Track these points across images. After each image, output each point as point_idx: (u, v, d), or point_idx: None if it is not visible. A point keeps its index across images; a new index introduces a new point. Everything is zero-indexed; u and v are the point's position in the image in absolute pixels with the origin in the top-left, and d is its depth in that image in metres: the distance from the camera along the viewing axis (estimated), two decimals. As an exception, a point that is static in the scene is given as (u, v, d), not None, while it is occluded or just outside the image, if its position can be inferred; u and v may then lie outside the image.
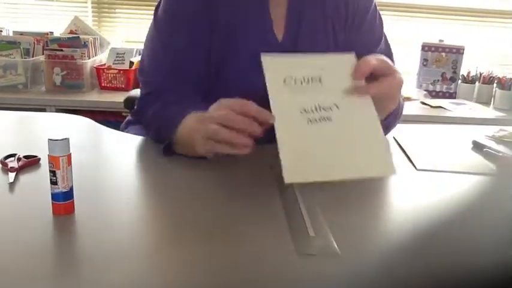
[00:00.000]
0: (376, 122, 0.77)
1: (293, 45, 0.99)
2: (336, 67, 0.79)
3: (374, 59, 0.79)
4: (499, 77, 2.39)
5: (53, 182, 0.65)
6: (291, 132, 0.74)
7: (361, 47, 1.00)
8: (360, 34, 1.02)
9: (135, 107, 1.03)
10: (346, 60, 0.80)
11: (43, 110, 2.03)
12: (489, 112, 2.25)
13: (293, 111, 0.75)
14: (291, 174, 0.70)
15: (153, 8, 1.02)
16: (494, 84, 2.42)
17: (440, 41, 2.48)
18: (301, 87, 0.77)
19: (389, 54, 1.07)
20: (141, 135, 1.02)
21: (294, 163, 0.71)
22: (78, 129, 1.09)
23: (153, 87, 0.97)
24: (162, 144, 0.90)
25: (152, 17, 1.02)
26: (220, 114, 0.76)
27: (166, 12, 0.98)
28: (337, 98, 0.77)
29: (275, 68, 0.77)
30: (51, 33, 2.33)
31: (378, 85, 0.78)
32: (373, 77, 0.79)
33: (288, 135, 0.73)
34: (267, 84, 0.75)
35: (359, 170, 0.74)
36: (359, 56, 0.81)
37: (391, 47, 1.08)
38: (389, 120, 0.95)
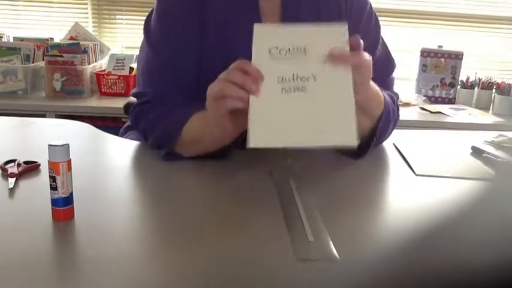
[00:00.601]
0: (349, 95, 0.77)
1: None
2: (324, 37, 0.80)
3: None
4: (498, 83, 2.39)
5: (53, 188, 0.65)
6: (263, 99, 0.76)
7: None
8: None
9: (130, 117, 1.02)
10: (336, 31, 0.80)
11: (43, 115, 2.03)
12: (488, 117, 2.25)
13: (270, 79, 0.77)
14: (255, 139, 0.73)
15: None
16: (493, 90, 2.42)
17: (439, 46, 2.49)
18: (284, 57, 0.78)
19: (388, 58, 1.07)
20: (140, 140, 1.02)
21: (260, 129, 0.74)
22: (78, 135, 1.09)
23: (148, 98, 0.97)
24: (162, 150, 0.91)
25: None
26: (226, 75, 0.78)
27: (157, 21, 0.97)
28: (317, 68, 0.78)
29: (263, 36, 0.79)
30: (52, 39, 2.34)
31: (356, 55, 0.78)
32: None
33: (260, 102, 0.75)
34: (252, 51, 0.77)
35: (322, 138, 0.75)
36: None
37: (389, 49, 1.08)
38: (381, 126, 0.94)
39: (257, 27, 0.79)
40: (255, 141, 0.72)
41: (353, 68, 0.77)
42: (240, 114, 0.77)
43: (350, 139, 0.74)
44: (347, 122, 0.75)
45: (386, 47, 1.08)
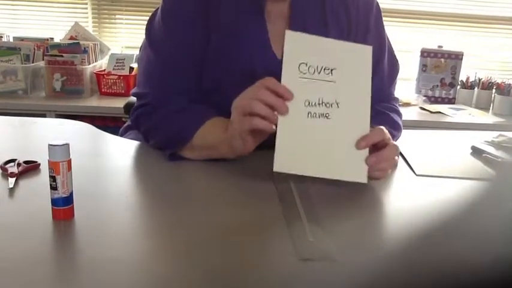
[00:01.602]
0: (365, 130, 0.79)
1: None
2: (352, 57, 0.81)
3: (380, 134, 0.81)
4: (498, 83, 2.39)
5: (53, 187, 0.65)
6: (291, 122, 0.77)
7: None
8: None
9: (131, 117, 1.01)
10: (361, 53, 0.82)
11: (43, 115, 2.03)
12: (488, 117, 2.25)
13: (298, 101, 0.78)
14: (280, 164, 0.75)
15: (153, 13, 1.02)
16: (493, 90, 2.42)
17: (439, 47, 2.49)
18: (312, 76, 0.79)
19: (393, 63, 1.06)
20: (140, 140, 1.02)
21: (286, 154, 0.76)
22: (78, 135, 1.09)
23: (148, 99, 0.96)
24: (166, 150, 0.91)
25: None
26: (257, 92, 0.78)
27: (161, 23, 0.96)
28: (341, 94, 0.79)
29: (294, 46, 0.79)
30: (52, 39, 2.34)
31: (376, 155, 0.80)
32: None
33: (287, 125, 0.76)
34: (283, 63, 0.78)
35: (336, 172, 0.78)
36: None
37: (393, 49, 1.08)
38: None
39: (289, 35, 0.79)
40: (279, 166, 0.75)
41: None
42: (260, 131, 0.78)
43: (361, 178, 0.78)
44: (359, 160, 0.78)
45: (391, 48, 1.07)
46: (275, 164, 0.75)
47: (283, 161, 0.75)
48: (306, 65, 0.79)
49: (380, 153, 0.80)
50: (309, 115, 0.78)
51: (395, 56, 1.07)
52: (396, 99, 1.08)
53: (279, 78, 0.78)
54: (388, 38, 1.06)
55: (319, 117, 0.78)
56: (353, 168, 0.78)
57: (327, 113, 0.78)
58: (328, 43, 0.82)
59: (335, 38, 0.96)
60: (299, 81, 0.78)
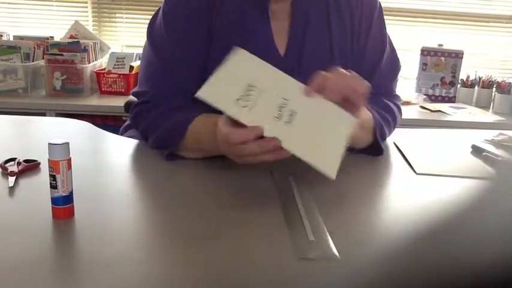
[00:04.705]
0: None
1: (297, 59, 0.97)
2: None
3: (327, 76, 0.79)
4: (498, 81, 2.39)
5: (53, 186, 0.65)
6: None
7: (370, 54, 1.01)
8: (367, 42, 1.01)
9: (130, 115, 1.01)
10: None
11: (43, 114, 2.03)
12: (488, 116, 2.25)
13: (265, 112, 0.76)
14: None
15: (153, 12, 1.02)
16: (494, 89, 2.42)
17: (440, 45, 2.48)
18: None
19: (395, 62, 1.06)
20: (140, 139, 1.01)
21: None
22: (78, 134, 1.09)
23: (147, 97, 0.96)
24: (163, 150, 0.91)
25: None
26: (235, 152, 0.76)
27: (162, 24, 0.96)
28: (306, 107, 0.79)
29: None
30: (52, 37, 2.34)
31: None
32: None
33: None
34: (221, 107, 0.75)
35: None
36: (368, 64, 0.92)
37: (395, 49, 1.08)
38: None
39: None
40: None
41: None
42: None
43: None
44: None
45: (393, 46, 1.07)
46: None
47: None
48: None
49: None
50: (277, 117, 0.76)
51: (396, 54, 1.07)
52: (397, 97, 1.08)
53: None
54: (389, 37, 1.06)
55: (288, 115, 0.76)
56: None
57: (294, 111, 0.77)
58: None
59: (337, 38, 0.98)
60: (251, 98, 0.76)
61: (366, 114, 0.91)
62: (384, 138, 0.99)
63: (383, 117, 0.97)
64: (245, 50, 0.81)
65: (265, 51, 0.94)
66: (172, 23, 0.96)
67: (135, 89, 1.01)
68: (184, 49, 0.95)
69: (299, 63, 0.96)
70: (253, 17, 0.95)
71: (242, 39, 0.94)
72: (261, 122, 0.73)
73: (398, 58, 1.08)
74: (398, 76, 1.09)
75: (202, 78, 0.94)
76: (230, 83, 0.78)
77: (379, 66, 1.02)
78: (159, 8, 0.99)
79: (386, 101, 1.02)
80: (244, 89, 0.77)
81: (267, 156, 0.73)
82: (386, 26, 1.06)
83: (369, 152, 0.96)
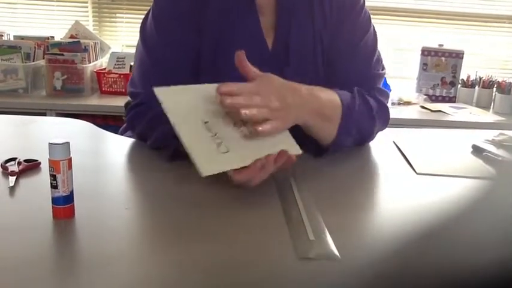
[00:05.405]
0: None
1: (284, 53, 0.98)
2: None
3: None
4: (498, 81, 2.39)
5: (54, 186, 0.65)
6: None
7: (345, 41, 1.00)
8: (343, 28, 1.00)
9: (126, 119, 1.01)
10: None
11: (43, 114, 2.03)
12: (489, 116, 2.25)
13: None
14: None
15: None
16: (494, 89, 2.42)
17: (440, 45, 2.48)
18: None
19: (374, 54, 1.04)
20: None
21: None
22: (78, 133, 1.09)
23: (141, 99, 0.97)
24: (163, 150, 0.91)
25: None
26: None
27: (153, 23, 0.97)
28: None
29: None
30: (52, 37, 2.34)
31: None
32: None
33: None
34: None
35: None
36: (343, 51, 0.92)
37: (380, 51, 1.06)
38: (342, 138, 0.91)
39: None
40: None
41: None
42: None
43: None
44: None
45: (376, 46, 1.04)
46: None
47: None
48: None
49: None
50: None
51: (379, 52, 1.05)
52: (381, 91, 1.02)
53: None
54: (374, 33, 1.04)
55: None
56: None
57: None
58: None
59: (319, 28, 0.98)
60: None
61: (333, 99, 0.89)
62: (348, 133, 0.92)
63: (346, 106, 0.92)
64: (161, 87, 0.81)
65: (255, 47, 0.96)
66: (162, 25, 0.97)
67: (130, 89, 1.02)
68: (174, 49, 0.96)
69: (287, 56, 0.98)
70: (242, 14, 0.97)
71: (232, 37, 0.96)
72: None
73: (381, 57, 1.05)
74: (383, 71, 1.06)
75: (193, 78, 0.95)
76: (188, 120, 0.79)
77: (355, 55, 1.00)
78: (150, 8, 1.00)
79: (366, 96, 0.97)
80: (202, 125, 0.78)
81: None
82: (388, 26, 1.05)
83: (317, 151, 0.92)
